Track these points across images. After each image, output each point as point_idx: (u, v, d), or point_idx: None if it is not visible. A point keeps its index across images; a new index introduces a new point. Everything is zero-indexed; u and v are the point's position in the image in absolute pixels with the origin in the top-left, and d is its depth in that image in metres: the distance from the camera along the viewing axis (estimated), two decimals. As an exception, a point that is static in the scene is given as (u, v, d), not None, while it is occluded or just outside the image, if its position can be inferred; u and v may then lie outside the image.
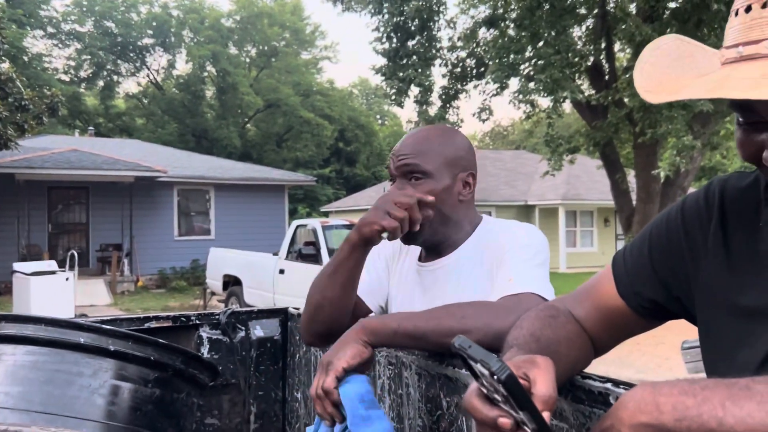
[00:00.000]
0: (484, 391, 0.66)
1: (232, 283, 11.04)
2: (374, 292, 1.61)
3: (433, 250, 1.51)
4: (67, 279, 10.54)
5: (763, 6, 0.70)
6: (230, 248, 12.83)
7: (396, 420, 1.41)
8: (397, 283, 1.60)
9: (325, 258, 9.04)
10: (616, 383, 0.86)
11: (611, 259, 1.05)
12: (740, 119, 0.80)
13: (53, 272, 10.67)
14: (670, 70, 0.81)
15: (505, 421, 0.64)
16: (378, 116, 48.77)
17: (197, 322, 1.87)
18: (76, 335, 1.31)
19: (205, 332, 1.87)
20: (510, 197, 23.23)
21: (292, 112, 36.14)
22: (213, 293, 12.06)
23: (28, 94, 11.94)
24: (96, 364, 1.32)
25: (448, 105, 13.65)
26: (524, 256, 1.37)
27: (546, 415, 0.65)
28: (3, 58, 12.42)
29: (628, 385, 0.82)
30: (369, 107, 48.01)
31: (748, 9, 0.71)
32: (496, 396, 0.64)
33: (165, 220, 17.62)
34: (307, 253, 9.34)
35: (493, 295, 1.31)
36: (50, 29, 35.56)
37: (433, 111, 13.19)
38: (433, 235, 1.45)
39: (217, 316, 1.89)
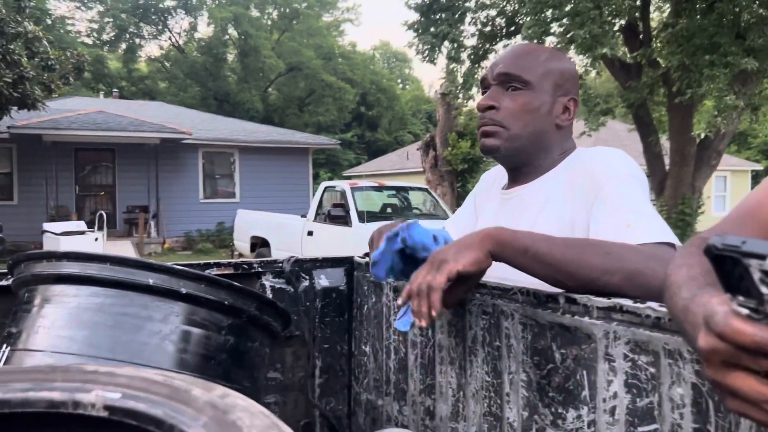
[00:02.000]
0: (744, 311, 0.50)
1: (259, 244, 10.99)
2: (461, 225, 1.55)
3: (517, 175, 1.39)
4: (96, 239, 10.58)
5: None
6: (254, 210, 12.77)
7: (492, 375, 1.28)
8: (484, 213, 1.50)
9: (355, 220, 8.93)
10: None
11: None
12: None
13: (83, 232, 10.72)
14: None
15: None
16: (399, 80, 48.19)
17: (260, 269, 1.75)
18: (145, 276, 1.19)
19: (267, 281, 1.74)
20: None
21: (314, 76, 35.80)
22: (240, 255, 12.04)
23: (54, 54, 11.84)
24: (167, 307, 1.20)
25: (477, 65, 13.32)
26: (629, 191, 1.19)
27: None
28: (30, 14, 12.29)
29: None
30: (390, 71, 47.42)
31: None
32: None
33: (190, 183, 17.61)
34: (336, 215, 9.23)
35: (608, 238, 1.15)
36: (72, -9, 35.41)
37: (462, 70, 12.87)
38: (519, 153, 1.33)
39: (280, 264, 1.77)
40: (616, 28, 11.70)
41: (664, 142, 12.91)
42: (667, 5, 11.04)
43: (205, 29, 38.67)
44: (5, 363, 1.20)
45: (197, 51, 37.62)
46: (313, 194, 17.11)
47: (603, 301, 1.02)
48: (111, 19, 36.32)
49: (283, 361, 1.79)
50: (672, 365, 0.91)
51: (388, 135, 39.79)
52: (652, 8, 12.85)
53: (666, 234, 1.12)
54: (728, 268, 0.50)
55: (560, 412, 1.11)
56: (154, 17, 37.70)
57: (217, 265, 1.69)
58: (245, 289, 1.28)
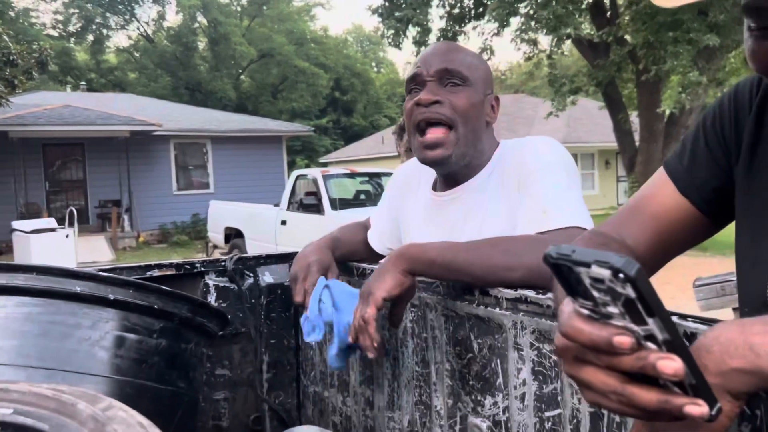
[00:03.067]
0: (584, 311, 0.53)
1: (234, 235, 10.95)
2: (383, 237, 1.58)
3: (450, 178, 1.38)
4: (67, 236, 10.47)
5: None
6: (230, 201, 12.71)
7: (421, 365, 1.32)
8: (410, 218, 1.49)
9: (327, 207, 8.93)
10: (704, 320, 0.74)
11: (662, 166, 0.97)
12: (752, 25, 0.71)
13: (53, 229, 10.59)
14: None
15: (625, 339, 0.50)
16: (374, 64, 47.96)
17: (202, 269, 1.77)
18: (71, 284, 1.20)
19: (211, 280, 1.76)
20: (510, 142, 23.00)
21: (287, 62, 35.50)
22: (215, 246, 12.00)
23: (16, 49, 11.62)
24: (95, 314, 1.21)
25: (446, 48, 13.30)
26: (553, 178, 1.22)
27: None
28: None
29: (714, 322, 0.71)
30: (365, 55, 47.18)
31: None
32: (610, 310, 0.50)
33: (163, 175, 17.45)
34: (309, 203, 9.22)
35: (525, 227, 1.19)
36: (35, -17, 34.65)
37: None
38: (463, 157, 1.32)
39: (223, 263, 1.79)
40: (583, 6, 11.77)
41: (634, 119, 13.07)
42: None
43: (173, 18, 38.22)
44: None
45: (167, 40, 37.09)
46: (288, 181, 17.07)
47: (510, 293, 1.06)
48: (76, 10, 35.61)
49: (230, 358, 1.81)
50: (569, 353, 0.95)
51: (364, 120, 39.69)
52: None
53: (579, 218, 1.16)
54: (566, 274, 0.53)
55: (479, 399, 1.15)
56: (120, 7, 37.04)
57: (159, 266, 1.70)
58: (175, 292, 1.30)
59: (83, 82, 28.43)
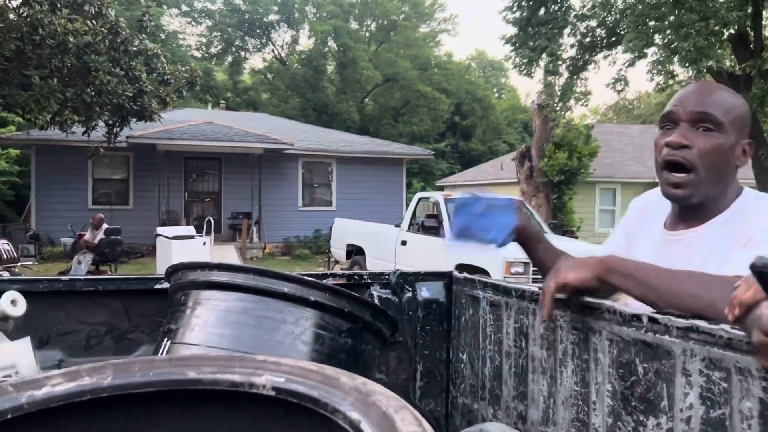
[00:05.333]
0: None
1: (355, 252, 11.32)
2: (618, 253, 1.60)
3: (687, 216, 1.41)
4: (204, 243, 11.25)
5: None
6: (350, 219, 13.15)
7: (580, 384, 1.41)
8: (640, 248, 1.52)
9: (447, 230, 9.07)
10: None
11: None
12: None
13: (192, 237, 11.42)
14: None
15: None
16: (495, 89, 47.83)
17: (369, 281, 1.95)
18: (281, 285, 1.41)
19: (375, 291, 1.94)
20: (637, 174, 22.14)
21: (410, 86, 36.21)
22: (337, 261, 12.44)
23: (170, 69, 12.72)
24: (298, 312, 1.41)
25: (575, 76, 13.16)
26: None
27: None
28: (150, 33, 13.29)
29: None
30: (486, 80, 47.17)
31: None
32: None
33: (290, 191, 18.33)
34: (429, 226, 9.40)
35: (731, 271, 1.20)
36: (184, 7, 37.59)
37: (560, 82, 12.77)
38: (702, 195, 1.35)
39: (387, 276, 1.96)
40: (724, 37, 11.27)
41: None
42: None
43: (306, 42, 39.99)
44: (166, 353, 1.45)
45: (298, 63, 38.95)
46: (406, 203, 17.37)
47: (681, 322, 1.14)
48: (219, 33, 38.29)
49: (387, 364, 1.98)
50: (742, 381, 1.03)
51: (482, 145, 39.60)
52: (765, 15, 12.27)
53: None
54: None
55: (641, 420, 1.23)
56: (258, 31, 39.38)
57: (333, 276, 1.90)
58: (362, 298, 1.48)
59: (222, 101, 30.39)
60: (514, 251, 7.60)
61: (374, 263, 10.57)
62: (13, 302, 1.38)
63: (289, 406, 0.85)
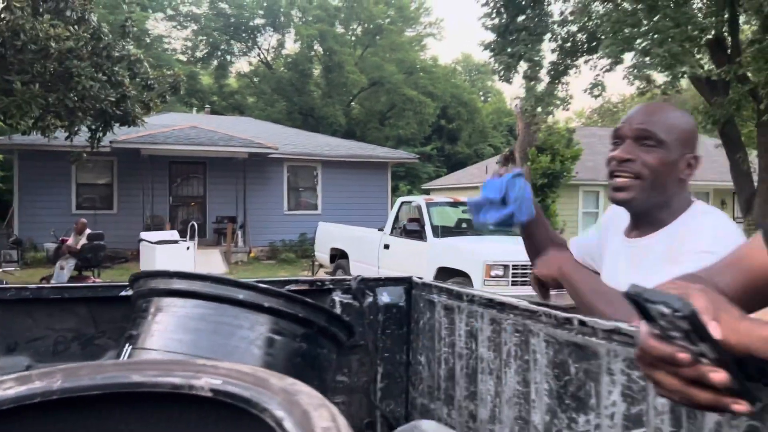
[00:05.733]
0: (656, 332, 0.72)
1: (338, 256, 11.38)
2: (580, 246, 1.78)
3: (640, 223, 1.53)
4: (188, 248, 11.27)
5: None
6: (335, 223, 13.20)
7: (522, 384, 1.49)
8: (609, 254, 1.64)
9: (429, 234, 9.15)
10: None
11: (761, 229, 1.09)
12: None
13: (176, 241, 11.44)
14: None
15: (684, 356, 0.69)
16: (481, 93, 48.07)
17: (331, 286, 2.02)
18: (236, 292, 1.48)
19: (337, 296, 2.01)
20: (619, 177, 22.38)
21: (396, 90, 36.33)
22: (321, 265, 12.49)
23: (153, 74, 12.73)
24: (253, 318, 1.48)
25: (557, 81, 13.31)
26: (696, 260, 1.27)
27: None
28: (133, 38, 13.29)
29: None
30: (472, 84, 47.39)
31: None
32: (673, 333, 0.69)
33: (275, 195, 18.35)
34: (412, 230, 9.48)
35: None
36: (170, 12, 37.52)
37: (541, 87, 12.90)
38: (645, 202, 1.46)
39: (348, 282, 2.03)
40: (702, 42, 11.45)
41: (753, 159, 12.47)
42: (755, 20, 10.72)
43: (292, 46, 40.02)
44: (127, 358, 1.51)
45: (284, 67, 38.96)
46: (392, 207, 17.45)
47: (607, 324, 1.22)
48: (204, 37, 38.22)
49: (349, 367, 2.05)
50: (655, 380, 1.11)
51: (468, 148, 39.76)
52: (741, 20, 12.48)
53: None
54: (641, 306, 0.73)
55: (573, 417, 1.31)
56: (244, 35, 39.36)
57: (295, 282, 1.97)
58: (316, 304, 1.55)
59: (207, 105, 30.35)
60: (494, 255, 7.64)
61: (358, 267, 10.63)
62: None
63: (225, 407, 0.92)
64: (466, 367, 1.74)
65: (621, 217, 1.64)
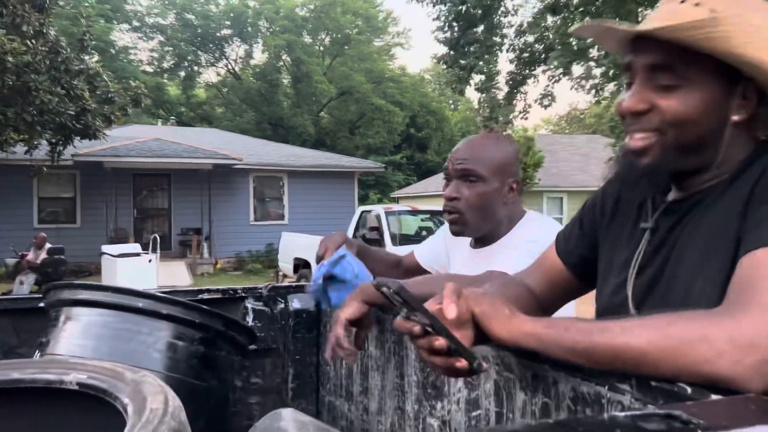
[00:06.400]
0: (402, 315, 0.91)
1: (302, 266, 11.49)
2: (429, 258, 1.98)
3: (479, 241, 1.78)
4: (150, 261, 11.29)
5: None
6: (303, 233, 13.31)
7: (398, 377, 1.66)
8: (459, 260, 1.86)
9: (388, 242, 9.33)
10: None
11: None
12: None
13: (137, 254, 11.45)
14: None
15: (415, 328, 0.89)
16: (450, 101, 48.58)
17: (243, 294, 2.17)
18: (135, 300, 1.62)
19: (250, 303, 2.16)
20: (583, 183, 22.80)
21: (365, 100, 36.59)
22: (285, 276, 12.59)
23: (114, 87, 12.75)
24: (151, 324, 1.62)
25: (515, 90, 13.62)
26: (525, 248, 1.58)
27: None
28: (92, 52, 13.29)
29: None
30: (441, 92, 47.87)
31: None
32: (407, 314, 0.89)
33: (241, 206, 18.38)
34: (371, 238, 9.65)
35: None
36: (135, 23, 37.32)
37: (500, 96, 13.19)
38: (476, 230, 1.71)
39: (260, 290, 2.18)
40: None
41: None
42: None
43: (259, 56, 40.06)
44: (38, 363, 1.64)
45: (252, 77, 38.99)
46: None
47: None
48: (171, 48, 38.09)
49: (263, 369, 2.20)
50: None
51: (438, 156, 40.13)
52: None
53: (505, 267, 1.50)
54: (384, 294, 0.92)
55: (433, 404, 1.48)
56: (211, 45, 39.31)
57: (208, 291, 2.12)
58: (212, 310, 1.70)
59: (173, 116, 30.25)
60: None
61: (320, 276, 10.74)
62: None
63: (88, 398, 1.06)
64: (361, 364, 1.90)
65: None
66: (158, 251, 12.37)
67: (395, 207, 10.54)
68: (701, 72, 0.95)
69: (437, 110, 40.80)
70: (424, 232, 10.40)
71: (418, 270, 1.99)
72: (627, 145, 1.03)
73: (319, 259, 1.76)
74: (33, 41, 10.72)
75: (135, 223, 17.33)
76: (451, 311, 0.89)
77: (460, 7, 10.66)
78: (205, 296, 2.10)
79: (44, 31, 11.16)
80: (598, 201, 1.23)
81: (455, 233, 1.74)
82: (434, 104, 41.00)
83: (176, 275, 14.59)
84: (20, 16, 10.41)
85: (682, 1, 0.95)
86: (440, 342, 0.87)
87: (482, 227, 1.71)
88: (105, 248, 11.62)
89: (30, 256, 10.93)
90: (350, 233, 10.40)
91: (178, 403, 0.95)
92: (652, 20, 0.97)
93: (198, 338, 1.68)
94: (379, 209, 10.08)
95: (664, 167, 1.01)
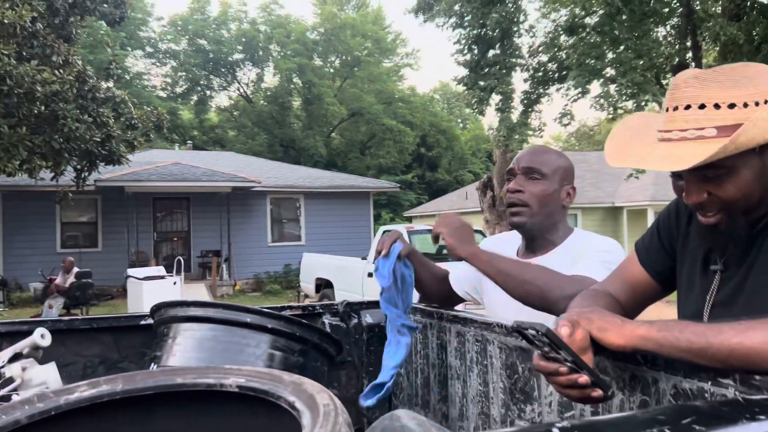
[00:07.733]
0: (542, 353, 1.05)
1: (323, 285, 11.64)
2: (461, 282, 2.10)
3: (532, 246, 1.91)
4: (174, 283, 11.46)
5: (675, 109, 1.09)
6: (319, 253, 13.48)
7: (482, 384, 1.80)
8: None
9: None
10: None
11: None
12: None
13: (162, 277, 11.62)
14: (632, 140, 1.18)
15: (561, 369, 1.02)
16: (459, 120, 48.89)
17: (321, 311, 2.33)
18: (244, 316, 1.78)
19: (327, 319, 2.32)
20: (596, 199, 22.91)
21: (375, 120, 36.96)
22: (306, 296, 12.73)
23: (137, 113, 13.04)
24: (258, 337, 1.78)
25: (530, 109, 13.82)
26: (598, 257, 1.74)
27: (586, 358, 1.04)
28: (117, 79, 13.62)
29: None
30: (450, 111, 48.21)
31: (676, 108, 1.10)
32: (549, 353, 1.01)
33: (259, 228, 18.60)
34: (394, 258, 9.77)
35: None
36: (149, 49, 37.94)
37: (515, 116, 13.40)
38: (534, 224, 1.86)
39: (336, 306, 2.34)
40: (668, 68, 12.00)
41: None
42: (713, 47, 11.31)
43: (271, 79, 40.60)
44: (153, 375, 1.80)
45: (264, 100, 39.48)
46: (374, 235, 17.76)
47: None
48: (184, 73, 38.68)
49: (339, 380, 2.35)
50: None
51: (449, 174, 40.38)
52: (704, 48, 13.09)
53: (597, 275, 1.65)
54: (523, 333, 1.05)
55: (522, 408, 1.62)
56: (223, 69, 39.87)
57: (290, 308, 2.28)
58: (310, 324, 1.86)
59: (189, 141, 30.63)
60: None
61: (342, 295, 10.90)
62: (42, 336, 1.75)
63: (249, 399, 1.22)
64: (438, 374, 2.05)
65: (506, 243, 2.04)
66: (182, 273, 12.55)
67: (416, 226, 10.69)
68: (741, 156, 1.07)
69: (447, 129, 41.09)
70: (444, 251, 10.51)
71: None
72: (701, 220, 1.18)
73: (378, 254, 1.93)
74: (61, 71, 11.01)
75: (155, 246, 17.57)
76: (583, 341, 1.04)
77: (479, 31, 10.92)
78: (287, 313, 2.26)
79: (71, 60, 11.47)
80: (672, 215, 1.38)
81: (517, 224, 1.86)
82: (444, 123, 41.29)
83: (198, 297, 14.76)
84: (50, 47, 10.72)
85: (717, 107, 1.06)
86: (584, 379, 0.99)
87: (543, 223, 1.85)
88: (130, 271, 11.81)
89: (58, 280, 11.14)
90: (372, 253, 10.55)
91: (339, 402, 1.11)
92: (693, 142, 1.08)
93: (297, 350, 1.83)
94: (401, 229, 10.23)
95: (738, 227, 1.16)
